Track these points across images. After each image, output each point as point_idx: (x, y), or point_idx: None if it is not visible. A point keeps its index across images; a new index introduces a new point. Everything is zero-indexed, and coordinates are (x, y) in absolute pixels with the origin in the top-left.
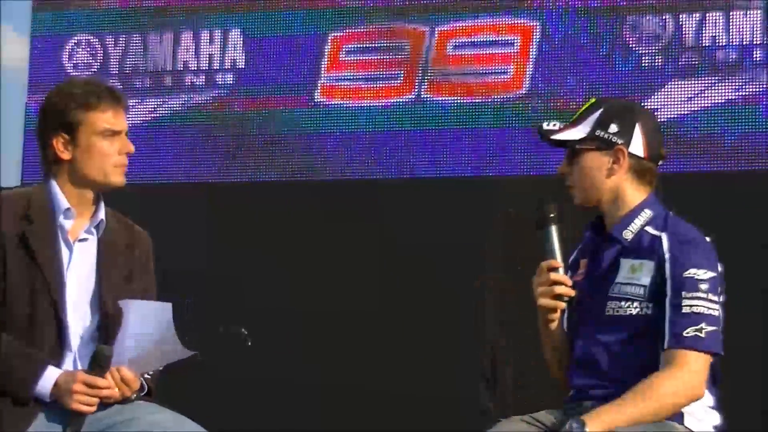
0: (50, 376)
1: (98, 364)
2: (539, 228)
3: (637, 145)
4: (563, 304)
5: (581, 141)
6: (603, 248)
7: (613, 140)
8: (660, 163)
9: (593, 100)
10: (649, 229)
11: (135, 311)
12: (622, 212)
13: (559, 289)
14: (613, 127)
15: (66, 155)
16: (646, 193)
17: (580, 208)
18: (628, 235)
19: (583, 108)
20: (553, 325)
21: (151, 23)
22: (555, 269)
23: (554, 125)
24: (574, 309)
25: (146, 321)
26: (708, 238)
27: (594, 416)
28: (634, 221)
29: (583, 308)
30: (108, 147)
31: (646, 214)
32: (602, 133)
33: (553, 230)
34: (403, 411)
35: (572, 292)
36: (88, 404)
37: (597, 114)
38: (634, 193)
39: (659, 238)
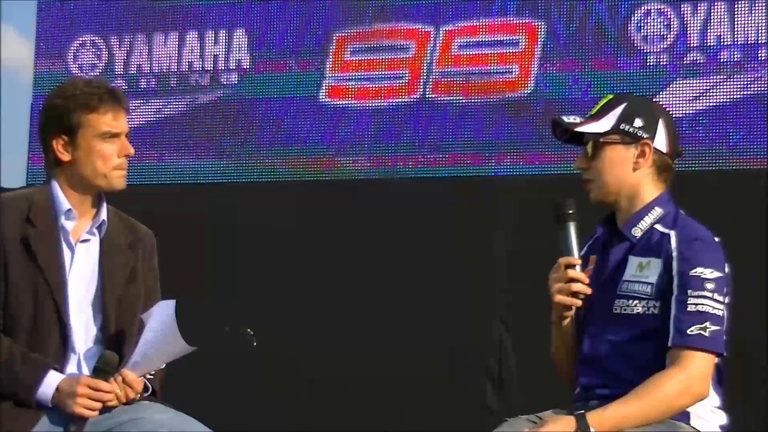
0: (52, 381)
1: (103, 370)
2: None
3: (661, 141)
4: (579, 302)
5: (606, 134)
6: (612, 245)
7: (639, 134)
8: (676, 161)
9: (611, 95)
10: (659, 227)
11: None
12: (634, 209)
13: (575, 287)
14: (638, 122)
15: (66, 157)
16: (661, 191)
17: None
18: (636, 232)
19: (602, 102)
20: (566, 322)
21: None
22: (572, 266)
23: (574, 118)
24: (583, 306)
25: (151, 320)
26: (717, 239)
27: (598, 417)
28: (644, 219)
29: (591, 305)
30: (108, 149)
31: (657, 212)
32: (627, 126)
33: (572, 227)
34: (409, 411)
35: (588, 290)
36: (91, 408)
37: (620, 108)
38: (651, 190)
39: (668, 236)
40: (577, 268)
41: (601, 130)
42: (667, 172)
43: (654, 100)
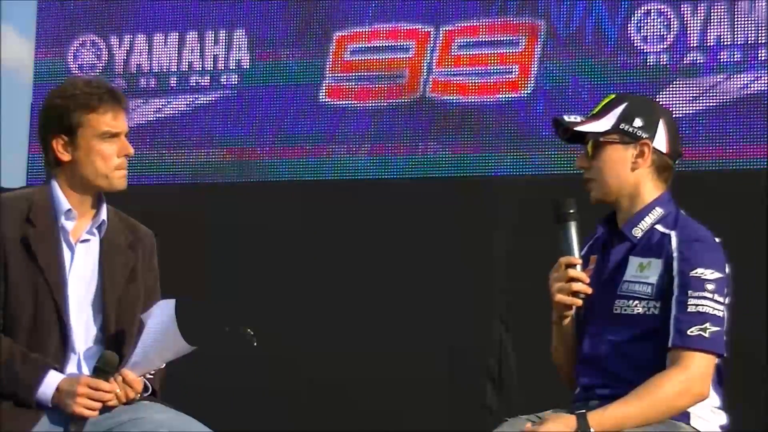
0: (52, 381)
1: (103, 370)
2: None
3: (661, 141)
4: (580, 302)
5: (605, 133)
6: (613, 244)
7: (638, 134)
8: (676, 161)
9: (613, 95)
10: (659, 227)
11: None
12: (635, 209)
13: (576, 286)
14: (638, 122)
15: (66, 157)
16: (661, 191)
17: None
18: (637, 232)
19: (604, 102)
20: (566, 322)
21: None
22: (573, 266)
23: (575, 118)
24: (583, 306)
25: (151, 320)
26: (717, 239)
27: (599, 417)
28: (645, 219)
29: (591, 305)
30: (107, 149)
31: (657, 212)
32: (627, 126)
33: (572, 226)
34: (409, 411)
35: (589, 290)
36: (91, 408)
37: (621, 108)
38: (651, 190)
39: (668, 236)
40: (578, 267)
41: (601, 130)
42: (667, 172)
43: (655, 100)
